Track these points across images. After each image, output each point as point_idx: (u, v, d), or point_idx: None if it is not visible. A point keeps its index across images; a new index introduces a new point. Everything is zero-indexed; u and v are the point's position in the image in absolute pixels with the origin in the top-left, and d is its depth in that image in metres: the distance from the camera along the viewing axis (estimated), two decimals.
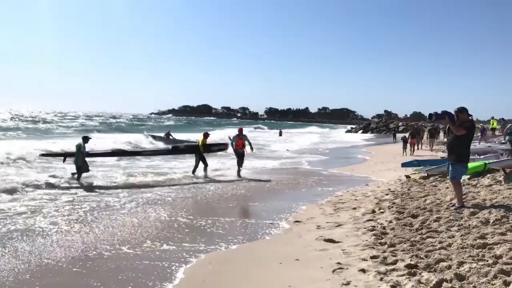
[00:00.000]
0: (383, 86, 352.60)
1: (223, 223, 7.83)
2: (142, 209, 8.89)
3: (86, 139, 12.89)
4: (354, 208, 8.46)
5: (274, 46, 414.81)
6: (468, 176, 9.82)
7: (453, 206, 7.39)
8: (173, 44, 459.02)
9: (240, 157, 14.73)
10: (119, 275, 5.17)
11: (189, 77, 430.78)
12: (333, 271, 4.92)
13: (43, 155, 15.35)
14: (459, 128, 7.32)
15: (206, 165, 14.54)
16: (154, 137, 29.98)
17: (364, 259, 5.18)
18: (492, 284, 4.07)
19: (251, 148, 15.39)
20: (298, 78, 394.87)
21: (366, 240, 6.02)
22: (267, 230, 7.25)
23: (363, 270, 4.81)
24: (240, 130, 15.41)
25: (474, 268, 4.45)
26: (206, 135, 15.45)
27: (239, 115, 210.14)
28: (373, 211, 7.95)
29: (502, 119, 30.02)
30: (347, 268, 4.96)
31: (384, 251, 5.41)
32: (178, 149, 17.35)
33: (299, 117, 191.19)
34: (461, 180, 7.82)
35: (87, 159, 12.77)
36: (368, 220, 7.27)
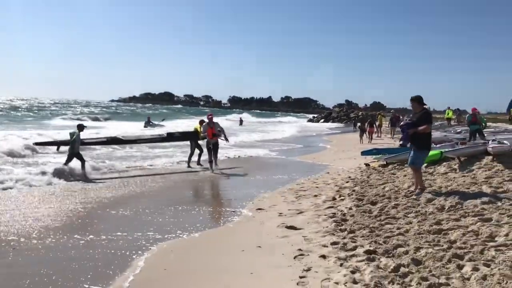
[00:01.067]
0: (345, 77, 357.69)
1: (185, 211, 7.78)
2: (100, 197, 8.70)
3: (81, 128, 12.31)
4: (316, 196, 8.57)
5: (236, 34, 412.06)
6: (425, 164, 10.11)
7: (410, 192, 7.62)
8: (131, 29, 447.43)
9: (214, 148, 13.13)
10: (72, 264, 5.06)
11: (149, 63, 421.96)
12: (295, 257, 4.98)
13: (37, 143, 14.92)
14: (424, 129, 7.49)
15: (201, 151, 14.28)
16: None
17: (324, 246, 5.27)
18: (446, 268, 4.22)
19: (226, 139, 14.06)
20: (261, 66, 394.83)
21: (327, 227, 6.11)
22: (229, 218, 7.25)
23: (323, 256, 4.89)
24: (210, 117, 13.63)
25: (430, 253, 4.60)
26: (202, 123, 14.76)
27: (202, 103, 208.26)
28: (334, 198, 8.07)
29: (457, 109, 31.14)
30: (308, 255, 5.03)
31: (344, 238, 5.51)
32: (173, 136, 17.02)
33: (263, 105, 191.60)
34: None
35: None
36: (329, 207, 7.38)
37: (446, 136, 19.01)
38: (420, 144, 7.67)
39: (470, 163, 9.64)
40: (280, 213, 7.29)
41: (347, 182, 9.79)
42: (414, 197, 7.36)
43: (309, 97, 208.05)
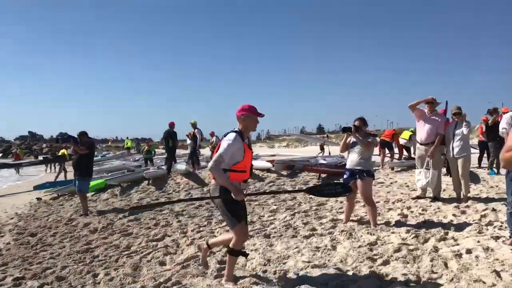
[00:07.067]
0: (25, 106, 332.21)
1: None
2: None
3: None
4: None
5: None
6: (93, 192, 10.98)
7: (81, 215, 8.55)
8: None
9: None
10: None
11: None
12: None
13: None
14: (80, 148, 8.76)
15: None
16: None
17: None
18: (83, 278, 5.03)
19: None
20: None
21: None
22: None
23: None
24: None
25: (73, 268, 5.36)
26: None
27: None
28: None
29: (136, 138, 33.88)
30: None
31: None
32: None
33: None
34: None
35: None
36: None
37: (124, 164, 20.45)
38: (82, 173, 8.80)
39: (131, 188, 11.03)
40: None
41: (12, 218, 9.61)
42: (80, 214, 8.43)
43: None
